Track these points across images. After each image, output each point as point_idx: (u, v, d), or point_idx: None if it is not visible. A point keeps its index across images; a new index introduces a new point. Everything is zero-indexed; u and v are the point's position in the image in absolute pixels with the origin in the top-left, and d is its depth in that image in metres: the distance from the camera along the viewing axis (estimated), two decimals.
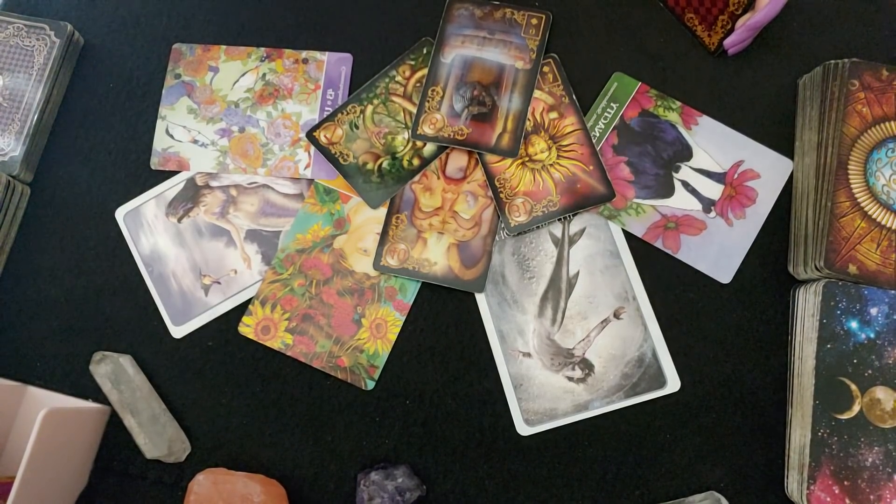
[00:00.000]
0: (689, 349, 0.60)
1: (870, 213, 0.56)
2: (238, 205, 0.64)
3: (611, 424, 0.59)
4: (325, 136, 0.64)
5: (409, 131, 0.64)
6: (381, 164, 0.63)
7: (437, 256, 0.61)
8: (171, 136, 0.65)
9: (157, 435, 0.57)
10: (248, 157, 0.64)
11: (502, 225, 0.62)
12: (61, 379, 0.61)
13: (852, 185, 0.57)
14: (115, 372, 0.58)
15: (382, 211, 0.63)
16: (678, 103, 0.64)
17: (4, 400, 0.58)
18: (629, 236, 0.62)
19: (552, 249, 0.62)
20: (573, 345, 0.60)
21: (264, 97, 0.66)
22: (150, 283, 0.62)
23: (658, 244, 0.61)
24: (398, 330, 0.60)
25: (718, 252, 0.61)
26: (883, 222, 0.56)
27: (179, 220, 0.63)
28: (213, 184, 0.64)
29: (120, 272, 0.63)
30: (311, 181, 0.64)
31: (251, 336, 0.61)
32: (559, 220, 0.62)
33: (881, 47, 0.65)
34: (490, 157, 0.62)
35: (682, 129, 0.64)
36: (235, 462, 0.59)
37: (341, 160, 0.63)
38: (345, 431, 0.59)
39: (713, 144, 0.63)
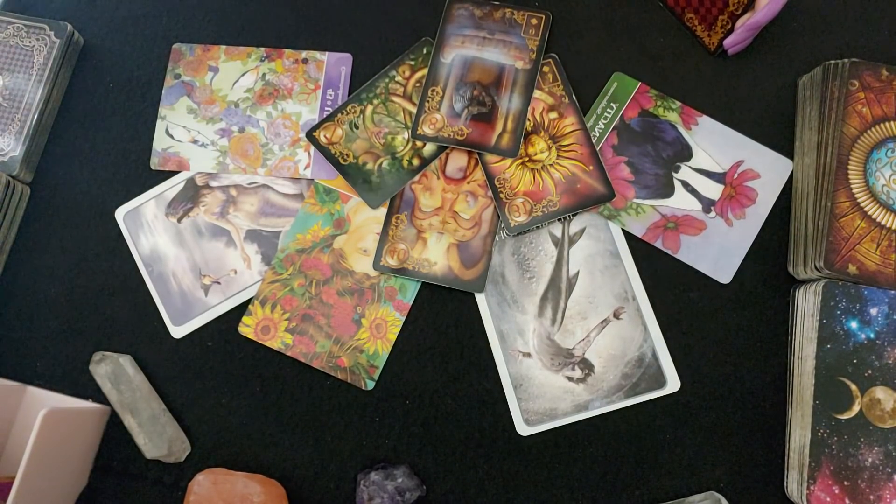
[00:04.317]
0: (689, 349, 0.60)
1: (870, 213, 0.56)
2: (238, 205, 0.64)
3: (611, 424, 0.59)
4: (324, 136, 0.64)
5: (409, 131, 0.64)
6: (380, 164, 0.63)
7: (437, 256, 0.61)
8: (171, 136, 0.65)
9: (157, 435, 0.57)
10: (248, 157, 0.64)
11: (502, 225, 0.62)
12: (61, 379, 0.61)
13: (852, 185, 0.57)
14: (115, 372, 0.58)
15: (382, 211, 0.63)
16: (678, 103, 0.64)
17: (4, 400, 0.58)
18: (629, 236, 0.62)
19: (552, 249, 0.62)
20: (573, 345, 0.60)
21: (264, 97, 0.66)
22: (150, 283, 0.62)
23: (658, 244, 0.61)
24: (398, 330, 0.60)
25: (718, 252, 0.61)
26: (883, 222, 0.56)
27: (179, 220, 0.63)
28: (213, 184, 0.64)
29: (120, 272, 0.63)
30: (310, 181, 0.64)
31: (251, 336, 0.61)
32: (559, 220, 0.62)
33: (881, 47, 0.65)
34: (490, 157, 0.62)
35: (681, 129, 0.64)
36: (235, 462, 0.59)
37: (341, 160, 0.63)
38: (345, 431, 0.59)
39: (713, 144, 0.63)
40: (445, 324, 0.61)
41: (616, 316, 0.60)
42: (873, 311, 0.54)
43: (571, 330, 0.60)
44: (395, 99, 0.65)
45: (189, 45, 0.67)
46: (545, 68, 0.65)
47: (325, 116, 0.65)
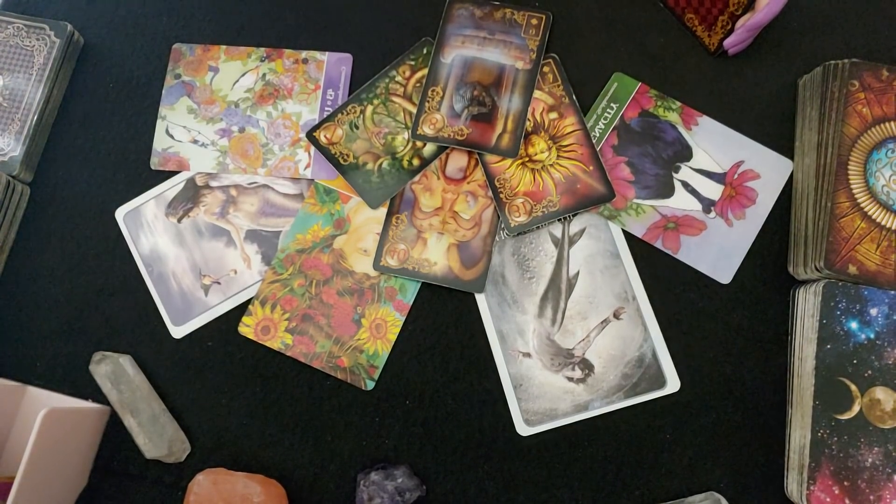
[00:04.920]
0: (689, 349, 0.60)
1: (870, 213, 0.56)
2: (238, 205, 0.64)
3: (611, 424, 0.59)
4: (325, 137, 0.64)
5: (409, 131, 0.64)
6: (381, 164, 0.63)
7: (437, 256, 0.61)
8: (171, 136, 0.65)
9: (157, 435, 0.57)
10: (248, 158, 0.64)
11: (502, 225, 0.62)
12: (61, 379, 0.61)
13: (852, 186, 0.57)
14: (115, 372, 0.58)
15: (382, 211, 0.63)
16: (678, 103, 0.64)
17: (4, 400, 0.58)
18: (629, 236, 0.62)
19: (552, 250, 0.62)
20: (573, 345, 0.60)
21: (264, 97, 0.66)
22: (150, 283, 0.62)
23: (658, 244, 0.61)
24: (398, 330, 0.60)
25: (718, 252, 0.61)
26: (883, 223, 0.56)
27: (179, 220, 0.63)
28: (213, 184, 0.64)
29: (120, 272, 0.63)
30: (311, 181, 0.64)
31: (251, 336, 0.61)
32: (559, 220, 0.62)
33: (881, 47, 0.65)
34: (490, 158, 0.62)
35: (682, 130, 0.64)
36: (235, 462, 0.59)
37: (341, 160, 0.63)
38: (345, 431, 0.59)
39: (713, 145, 0.63)
40: (445, 324, 0.61)
41: (616, 316, 0.60)
42: (873, 312, 0.54)
43: (571, 330, 0.60)
44: (395, 99, 0.65)
45: (189, 45, 0.67)
46: (545, 68, 0.65)
47: (325, 116, 0.65)
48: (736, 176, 0.63)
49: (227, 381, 0.60)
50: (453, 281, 0.61)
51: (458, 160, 0.63)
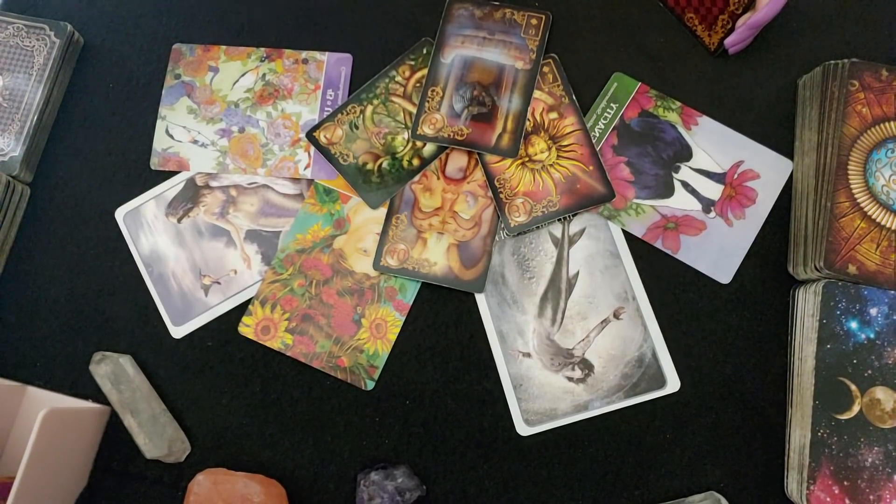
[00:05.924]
0: (689, 349, 0.60)
1: (869, 213, 0.56)
2: (238, 205, 0.64)
3: (611, 424, 0.59)
4: (324, 137, 0.64)
5: (409, 131, 0.64)
6: (380, 164, 0.63)
7: (437, 256, 0.61)
8: (171, 137, 0.65)
9: (156, 435, 0.57)
10: (248, 158, 0.64)
11: (502, 225, 0.62)
12: (61, 379, 0.61)
13: (852, 186, 0.57)
14: (115, 372, 0.58)
15: (382, 211, 0.63)
16: (678, 103, 0.64)
17: (4, 400, 0.58)
18: (629, 236, 0.62)
19: (552, 250, 0.62)
20: (573, 345, 0.60)
21: (264, 97, 0.66)
22: (150, 283, 0.62)
23: (658, 244, 0.61)
24: (398, 330, 0.60)
25: (718, 252, 0.61)
26: (882, 222, 0.56)
27: (179, 221, 0.63)
28: (213, 184, 0.64)
29: (120, 272, 0.63)
30: (310, 181, 0.64)
31: (251, 336, 0.61)
32: (559, 220, 0.62)
33: (881, 47, 0.65)
34: (490, 158, 0.62)
35: (681, 130, 0.64)
36: (235, 462, 0.59)
37: (341, 160, 0.63)
38: (345, 431, 0.59)
39: (713, 145, 0.63)
40: (445, 324, 0.61)
41: (616, 316, 0.60)
42: (873, 312, 0.54)
43: (571, 330, 0.60)
44: (395, 99, 0.65)
45: (189, 46, 0.67)
46: (545, 68, 0.65)
47: (325, 116, 0.65)
48: (736, 176, 0.63)
49: (227, 381, 0.60)
50: (453, 281, 0.61)
51: (457, 160, 0.63)
